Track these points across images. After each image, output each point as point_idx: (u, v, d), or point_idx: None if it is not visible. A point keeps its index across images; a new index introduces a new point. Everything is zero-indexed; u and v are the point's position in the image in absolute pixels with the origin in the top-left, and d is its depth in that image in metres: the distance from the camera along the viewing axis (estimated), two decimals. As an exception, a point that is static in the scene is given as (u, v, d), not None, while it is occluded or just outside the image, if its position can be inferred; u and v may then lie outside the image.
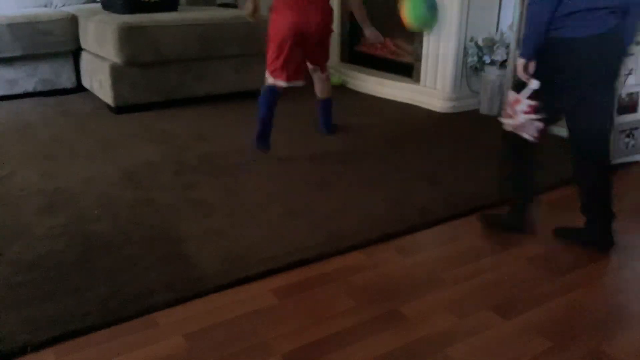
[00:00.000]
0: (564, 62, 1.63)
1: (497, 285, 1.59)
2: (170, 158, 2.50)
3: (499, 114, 3.18)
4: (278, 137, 2.79)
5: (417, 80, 3.48)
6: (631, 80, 2.46)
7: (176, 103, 3.35)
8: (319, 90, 2.77)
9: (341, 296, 1.53)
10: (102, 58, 3.23)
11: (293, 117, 3.09)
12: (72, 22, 3.49)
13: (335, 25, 4.11)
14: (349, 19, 4.05)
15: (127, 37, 3.03)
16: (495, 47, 3.10)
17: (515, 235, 1.87)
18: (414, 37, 3.47)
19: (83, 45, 3.49)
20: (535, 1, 1.62)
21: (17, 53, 3.35)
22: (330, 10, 2.54)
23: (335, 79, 3.94)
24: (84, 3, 3.93)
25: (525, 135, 1.69)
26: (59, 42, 3.45)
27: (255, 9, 2.51)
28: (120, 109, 3.18)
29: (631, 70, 2.45)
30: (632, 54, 2.25)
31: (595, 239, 1.77)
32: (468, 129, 2.98)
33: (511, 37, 3.04)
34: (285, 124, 3.00)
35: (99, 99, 3.39)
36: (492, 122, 3.11)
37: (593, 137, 1.71)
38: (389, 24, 3.59)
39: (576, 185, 1.80)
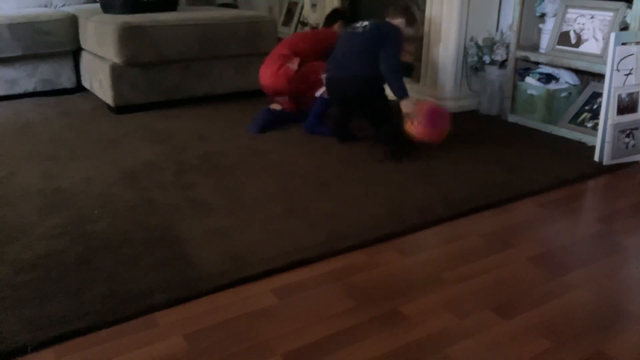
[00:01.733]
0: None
1: (497, 285, 1.59)
2: (170, 158, 2.51)
3: (499, 114, 3.19)
4: (278, 138, 2.80)
5: (417, 80, 3.48)
6: (631, 80, 2.46)
7: (176, 103, 3.36)
8: None
9: (341, 296, 1.53)
10: (102, 58, 3.23)
11: (293, 117, 3.09)
12: (72, 22, 3.49)
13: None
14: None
15: (127, 37, 3.03)
16: (495, 47, 3.10)
17: (515, 235, 1.87)
18: (414, 37, 3.47)
19: (83, 45, 3.50)
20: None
21: (17, 53, 3.35)
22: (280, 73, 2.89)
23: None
24: (84, 3, 3.93)
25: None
26: (59, 42, 3.46)
27: None
28: (120, 109, 3.19)
29: (631, 70, 2.45)
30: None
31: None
32: (468, 129, 2.98)
33: (511, 37, 3.04)
34: (285, 125, 3.00)
35: (99, 99, 3.39)
36: (492, 122, 3.11)
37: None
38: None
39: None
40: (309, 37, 3.07)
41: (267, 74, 2.92)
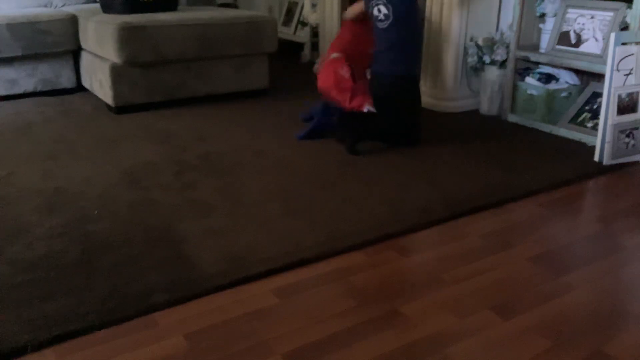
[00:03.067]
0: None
1: (497, 285, 1.59)
2: (170, 158, 2.51)
3: (499, 114, 3.19)
4: (278, 138, 2.80)
5: (417, 80, 3.48)
6: (631, 80, 2.47)
7: (176, 103, 3.35)
8: None
9: (341, 296, 1.53)
10: (102, 58, 3.23)
11: (294, 117, 3.09)
12: (72, 22, 3.49)
13: (335, 25, 4.13)
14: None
15: (127, 37, 3.03)
16: (495, 47, 3.10)
17: (515, 235, 1.87)
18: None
19: (83, 45, 3.50)
20: None
21: (17, 53, 3.35)
22: None
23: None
24: (84, 3, 3.93)
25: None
26: (59, 42, 3.46)
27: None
28: (120, 109, 3.19)
29: (631, 70, 2.45)
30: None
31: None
32: (468, 129, 2.98)
33: (511, 37, 3.04)
34: (285, 125, 3.00)
35: (99, 99, 3.39)
36: (492, 122, 3.11)
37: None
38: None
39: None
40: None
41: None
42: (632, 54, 2.43)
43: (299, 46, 4.88)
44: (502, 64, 3.13)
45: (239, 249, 1.73)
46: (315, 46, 4.65)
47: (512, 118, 3.10)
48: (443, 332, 1.38)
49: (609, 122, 2.44)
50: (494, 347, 1.33)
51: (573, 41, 2.86)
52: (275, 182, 2.24)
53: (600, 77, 2.83)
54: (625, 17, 2.67)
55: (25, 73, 3.45)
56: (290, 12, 5.08)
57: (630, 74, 2.45)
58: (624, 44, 2.43)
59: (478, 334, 1.38)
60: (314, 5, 4.53)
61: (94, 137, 2.80)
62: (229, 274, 1.59)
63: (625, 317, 1.45)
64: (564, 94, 2.94)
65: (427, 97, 3.37)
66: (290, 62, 4.74)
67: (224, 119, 3.11)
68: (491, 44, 3.13)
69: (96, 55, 3.31)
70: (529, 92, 3.00)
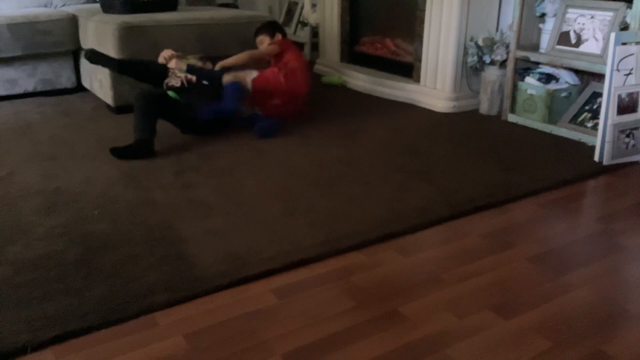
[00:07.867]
0: None
1: (497, 285, 1.59)
2: (170, 158, 2.50)
3: (499, 114, 3.19)
4: (278, 138, 2.80)
5: (417, 80, 3.48)
6: (631, 80, 2.46)
7: (176, 103, 3.35)
8: None
9: (341, 296, 1.53)
10: (102, 58, 3.23)
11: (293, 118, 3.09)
12: (72, 22, 3.49)
13: (335, 25, 4.13)
14: (349, 19, 4.05)
15: (127, 37, 3.03)
16: (495, 47, 3.10)
17: (515, 235, 1.87)
18: (414, 37, 3.47)
19: (83, 45, 3.50)
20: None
21: (17, 53, 3.35)
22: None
23: (335, 79, 3.95)
24: (84, 3, 3.93)
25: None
26: (59, 42, 3.46)
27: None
28: (120, 109, 3.19)
29: (631, 70, 2.45)
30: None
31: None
32: (468, 129, 2.98)
33: (511, 37, 3.04)
34: (285, 125, 3.00)
35: (99, 99, 3.39)
36: (492, 122, 3.11)
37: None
38: (389, 24, 3.60)
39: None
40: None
41: None
42: (632, 54, 2.43)
43: (299, 46, 4.88)
44: (502, 64, 3.13)
45: (239, 249, 1.73)
46: (315, 46, 4.65)
47: (512, 118, 3.10)
48: (443, 332, 1.38)
49: (609, 122, 2.44)
50: (494, 347, 1.33)
51: (573, 41, 2.86)
52: (275, 182, 2.24)
53: (600, 77, 2.83)
54: (625, 17, 2.67)
55: (25, 73, 3.46)
56: (290, 12, 5.08)
57: (630, 74, 2.45)
58: (624, 44, 2.43)
59: (478, 334, 1.38)
60: (314, 5, 4.53)
61: (94, 137, 2.80)
62: (229, 274, 1.59)
63: (625, 317, 1.45)
64: (564, 94, 2.94)
65: (428, 97, 3.37)
66: (290, 62, 4.73)
67: (224, 119, 3.11)
68: (491, 44, 3.13)
69: (96, 55, 3.31)
70: (529, 92, 3.00)
